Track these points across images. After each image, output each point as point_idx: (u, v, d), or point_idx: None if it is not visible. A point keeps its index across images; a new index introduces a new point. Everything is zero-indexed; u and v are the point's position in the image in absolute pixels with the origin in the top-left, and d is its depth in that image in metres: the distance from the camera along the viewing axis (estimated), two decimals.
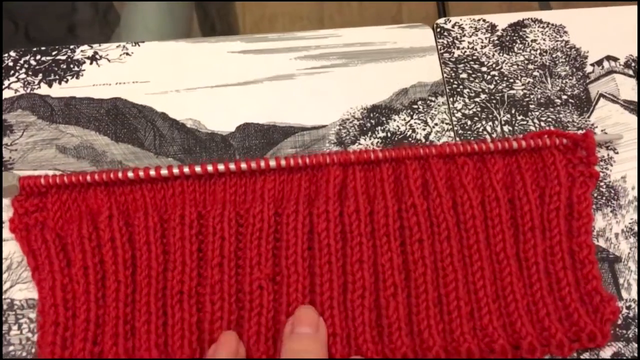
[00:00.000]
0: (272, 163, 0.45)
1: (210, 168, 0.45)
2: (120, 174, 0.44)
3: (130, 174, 0.44)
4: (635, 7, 0.54)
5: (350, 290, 0.43)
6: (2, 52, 0.50)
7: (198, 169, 0.45)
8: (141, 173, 0.44)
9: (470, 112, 0.50)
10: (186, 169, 0.44)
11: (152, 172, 0.44)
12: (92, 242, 0.43)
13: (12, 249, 0.44)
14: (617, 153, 0.48)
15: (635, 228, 0.46)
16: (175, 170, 0.44)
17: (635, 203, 0.47)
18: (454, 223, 0.44)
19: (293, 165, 0.45)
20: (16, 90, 0.49)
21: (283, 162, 0.45)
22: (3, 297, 0.43)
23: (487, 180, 0.46)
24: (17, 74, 0.50)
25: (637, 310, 0.44)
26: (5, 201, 0.45)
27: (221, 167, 0.45)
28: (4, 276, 0.44)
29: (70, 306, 0.43)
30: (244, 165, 0.45)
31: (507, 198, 0.45)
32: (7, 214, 0.45)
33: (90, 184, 0.45)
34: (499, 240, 0.44)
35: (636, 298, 0.44)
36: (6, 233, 0.44)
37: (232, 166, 0.45)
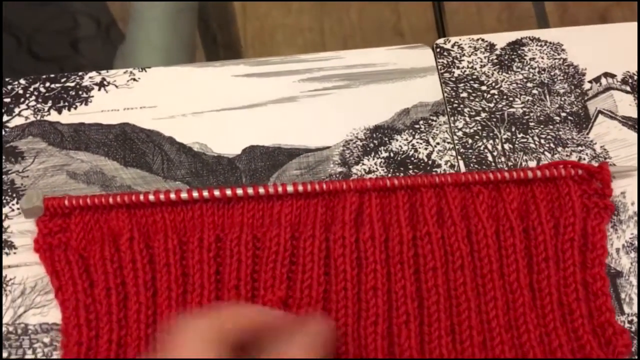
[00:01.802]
0: (290, 188, 0.46)
1: (229, 192, 0.45)
2: (141, 197, 0.45)
3: (151, 197, 0.45)
4: (631, 25, 0.55)
5: (363, 317, 0.43)
6: (2, 67, 0.51)
7: (217, 193, 0.45)
8: (162, 196, 0.45)
9: (471, 130, 0.51)
10: (205, 193, 0.45)
11: (172, 195, 0.45)
12: (114, 264, 0.44)
13: (26, 274, 0.45)
14: None
15: (636, 243, 0.47)
16: (195, 194, 0.45)
17: (636, 218, 0.48)
18: (467, 252, 0.44)
19: (310, 190, 0.46)
20: (27, 118, 0.51)
21: (300, 188, 0.46)
22: (18, 322, 0.44)
23: (502, 209, 0.46)
24: (27, 101, 0.51)
25: (637, 325, 0.45)
26: (29, 222, 0.46)
27: (239, 191, 0.45)
28: (18, 301, 0.45)
29: (93, 327, 0.43)
30: (262, 190, 0.45)
31: (522, 228, 0.45)
32: (22, 239, 0.46)
33: (112, 206, 0.45)
34: (512, 270, 0.44)
35: (637, 312, 0.45)
36: (19, 259, 0.46)
37: (250, 191, 0.45)
